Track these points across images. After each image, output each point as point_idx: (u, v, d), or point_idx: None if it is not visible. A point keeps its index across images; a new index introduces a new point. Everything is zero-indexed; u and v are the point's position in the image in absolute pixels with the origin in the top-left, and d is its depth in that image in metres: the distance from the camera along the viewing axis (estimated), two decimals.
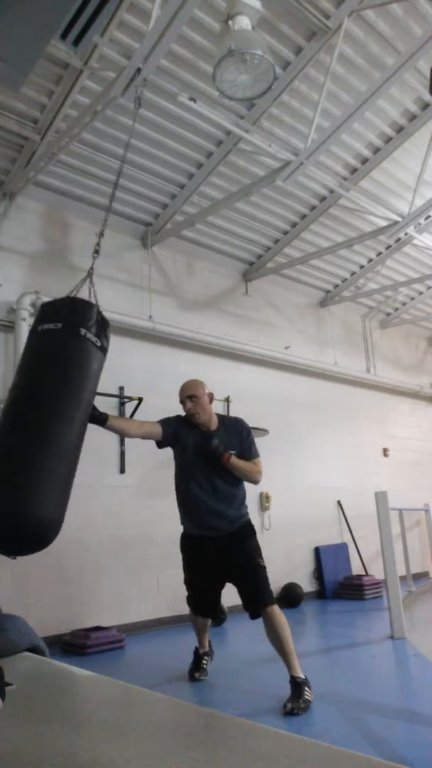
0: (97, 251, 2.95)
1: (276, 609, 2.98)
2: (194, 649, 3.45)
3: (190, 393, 3.16)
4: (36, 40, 2.51)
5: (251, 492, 5.97)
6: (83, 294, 2.62)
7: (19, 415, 2.03)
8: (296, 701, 2.75)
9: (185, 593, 3.29)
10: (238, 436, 3.19)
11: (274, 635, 2.93)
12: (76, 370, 2.23)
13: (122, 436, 3.19)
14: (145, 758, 0.89)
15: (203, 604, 3.26)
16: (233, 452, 3.10)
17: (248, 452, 3.17)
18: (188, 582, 3.26)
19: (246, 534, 3.20)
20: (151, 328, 5.38)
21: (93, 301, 2.47)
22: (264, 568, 3.11)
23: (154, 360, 5.48)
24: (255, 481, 3.19)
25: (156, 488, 5.14)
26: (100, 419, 2.75)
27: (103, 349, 2.39)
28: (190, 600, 3.27)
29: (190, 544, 3.26)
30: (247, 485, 3.26)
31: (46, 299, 4.70)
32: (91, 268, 2.85)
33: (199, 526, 3.19)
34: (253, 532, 3.24)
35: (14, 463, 1.93)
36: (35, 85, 4.10)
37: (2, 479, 1.90)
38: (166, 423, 3.13)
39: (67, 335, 2.25)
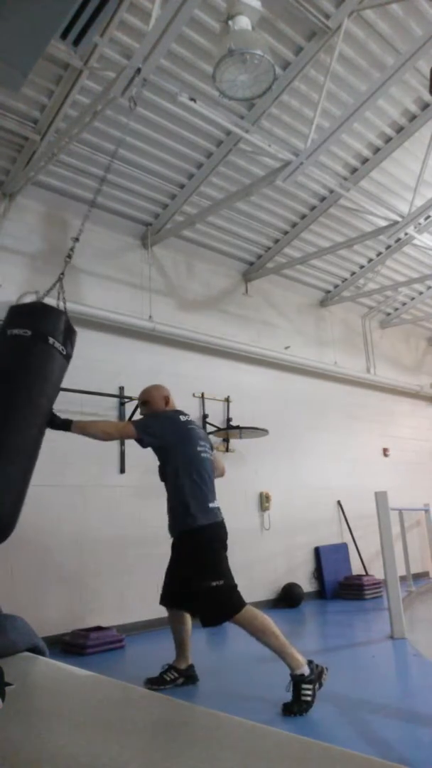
0: (69, 256, 3.00)
1: (242, 615, 2.83)
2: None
3: (141, 399, 3.35)
4: (36, 40, 2.51)
5: (252, 492, 5.99)
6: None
7: None
8: (292, 706, 2.71)
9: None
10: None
11: (257, 637, 2.85)
12: (40, 378, 2.31)
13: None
14: (145, 758, 0.89)
15: (164, 592, 3.24)
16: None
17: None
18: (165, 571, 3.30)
19: (184, 545, 3.09)
20: (151, 328, 5.38)
21: (61, 307, 2.52)
22: (213, 589, 2.86)
23: (154, 360, 5.48)
24: (97, 436, 3.00)
25: (156, 488, 5.13)
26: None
27: (67, 357, 2.47)
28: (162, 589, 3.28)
29: None
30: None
31: (46, 299, 4.71)
32: (62, 273, 2.91)
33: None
34: (192, 543, 3.03)
35: None
36: (35, 85, 4.10)
37: None
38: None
39: (36, 344, 2.31)
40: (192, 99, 4.08)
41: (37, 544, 4.41)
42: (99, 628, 4.28)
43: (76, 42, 3.62)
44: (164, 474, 3.19)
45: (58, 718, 1.13)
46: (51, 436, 4.98)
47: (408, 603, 5.28)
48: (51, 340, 2.32)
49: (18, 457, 2.12)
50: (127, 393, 5.16)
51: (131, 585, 4.83)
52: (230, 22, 3.43)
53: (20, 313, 2.40)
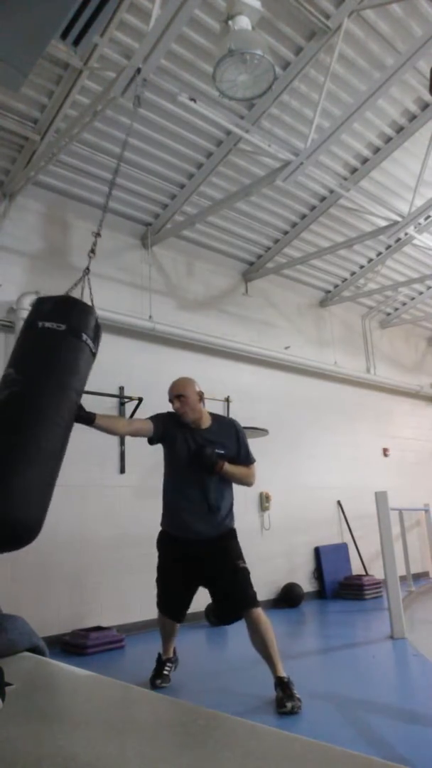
0: (93, 251, 2.95)
1: (260, 611, 2.93)
2: (157, 656, 3.35)
3: (177, 392, 3.13)
4: (36, 40, 2.51)
5: (251, 492, 5.99)
6: (77, 294, 2.63)
7: (11, 417, 2.03)
8: (293, 700, 2.76)
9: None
10: (233, 439, 3.15)
11: (259, 638, 2.90)
12: (73, 375, 2.25)
13: (111, 434, 3.14)
14: (145, 758, 0.89)
15: (172, 605, 3.21)
16: (224, 454, 3.05)
17: (245, 459, 3.16)
18: (160, 581, 3.21)
19: (226, 539, 3.13)
20: (151, 328, 5.38)
21: (91, 304, 2.49)
22: (245, 569, 3.03)
23: (154, 360, 5.48)
24: (248, 485, 3.24)
25: (156, 488, 5.11)
26: (88, 419, 2.69)
27: (94, 355, 2.42)
28: (161, 599, 3.22)
29: (168, 544, 3.21)
30: (237, 488, 3.24)
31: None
32: (87, 269, 2.86)
33: (182, 528, 3.14)
34: (234, 537, 3.17)
35: (10, 468, 1.94)
36: (35, 85, 4.10)
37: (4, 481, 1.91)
38: (156, 419, 3.10)
39: (70, 339, 2.25)
40: (192, 99, 4.08)
41: (37, 544, 4.39)
42: (99, 628, 4.28)
43: (76, 42, 3.63)
44: (220, 481, 3.12)
45: (58, 718, 1.12)
46: None
47: (408, 603, 5.28)
48: (84, 336, 2.29)
49: (47, 458, 2.05)
50: (127, 393, 5.16)
51: (131, 585, 4.83)
52: (230, 22, 3.43)
53: (54, 305, 2.32)
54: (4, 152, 4.61)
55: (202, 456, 3.02)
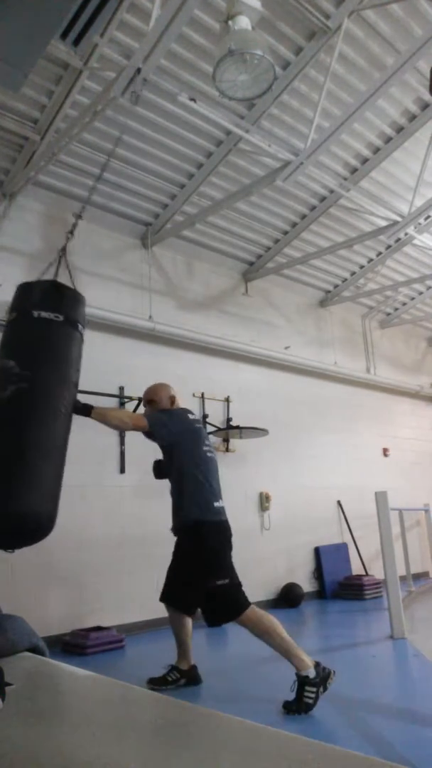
0: (72, 232, 2.93)
1: (249, 614, 2.83)
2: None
3: (147, 398, 3.32)
4: (36, 40, 2.51)
5: (252, 492, 5.99)
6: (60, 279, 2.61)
7: (23, 413, 2.03)
8: (292, 705, 2.72)
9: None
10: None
11: (262, 638, 2.86)
12: (73, 367, 2.25)
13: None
14: (145, 758, 0.89)
15: (165, 590, 3.21)
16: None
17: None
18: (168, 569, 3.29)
19: (189, 540, 3.05)
20: (151, 328, 5.38)
21: (73, 287, 2.46)
22: (218, 588, 2.85)
23: (154, 360, 5.48)
24: (112, 425, 3.03)
25: (156, 488, 5.13)
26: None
27: (83, 340, 2.39)
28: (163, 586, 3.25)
29: None
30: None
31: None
32: (63, 248, 2.83)
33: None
34: (199, 541, 2.99)
35: (9, 462, 1.95)
36: (35, 85, 4.10)
37: (7, 479, 1.95)
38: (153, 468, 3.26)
39: (68, 330, 2.23)
40: (192, 99, 4.07)
41: (37, 544, 4.40)
42: (99, 628, 4.28)
43: (76, 42, 3.62)
44: (168, 471, 3.19)
45: (58, 718, 1.12)
46: None
47: (408, 603, 5.28)
48: (79, 326, 2.28)
49: (52, 452, 2.06)
50: (127, 393, 5.16)
51: (131, 585, 4.83)
52: (230, 22, 3.43)
53: (45, 293, 2.27)
54: (4, 152, 4.61)
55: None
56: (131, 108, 3.78)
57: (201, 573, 2.93)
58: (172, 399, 3.31)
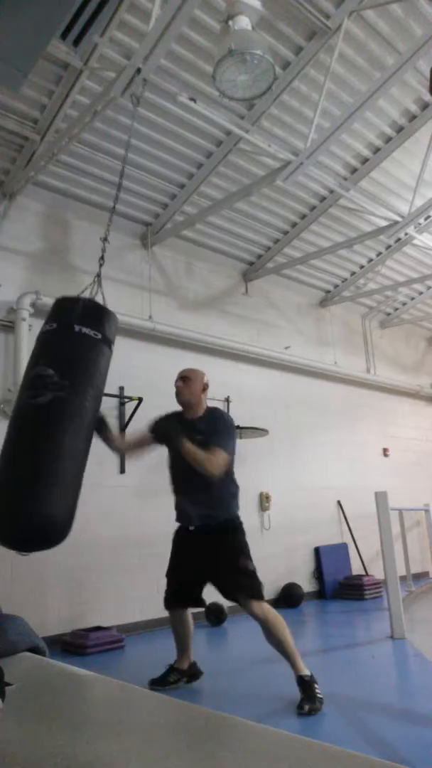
0: (102, 258, 3.00)
1: (266, 608, 2.92)
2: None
3: (183, 374, 3.24)
4: (36, 40, 2.51)
5: (251, 492, 5.99)
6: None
7: (57, 422, 2.12)
8: (312, 702, 2.73)
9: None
10: (213, 425, 3.12)
11: (273, 638, 2.90)
12: (103, 384, 2.36)
13: (114, 451, 3.15)
14: (145, 758, 0.89)
15: (170, 595, 3.18)
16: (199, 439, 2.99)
17: (210, 438, 3.00)
18: (167, 574, 3.23)
19: (224, 531, 3.10)
20: (151, 328, 5.38)
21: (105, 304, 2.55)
22: (246, 568, 2.98)
23: (154, 360, 5.48)
24: (209, 473, 2.92)
25: (156, 488, 5.12)
26: (107, 438, 2.82)
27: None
28: (165, 593, 3.21)
29: (175, 535, 3.26)
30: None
31: (46, 299, 4.70)
32: (98, 275, 2.94)
33: (180, 515, 3.20)
34: (234, 530, 3.10)
35: (37, 468, 2.04)
36: (35, 85, 4.10)
37: (24, 482, 1.99)
38: (153, 427, 3.15)
39: (104, 348, 2.33)
40: (192, 99, 4.08)
41: None
42: (99, 628, 4.28)
43: (76, 42, 3.62)
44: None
45: (58, 718, 1.12)
46: None
47: (408, 603, 5.28)
48: (112, 346, 2.39)
49: (77, 461, 2.17)
50: (127, 393, 5.16)
51: (131, 585, 4.83)
52: (230, 22, 3.43)
53: (87, 310, 2.36)
54: (4, 152, 4.61)
55: (167, 428, 3.03)
56: (133, 108, 3.78)
57: (237, 556, 3.01)
58: (205, 386, 3.26)
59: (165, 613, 3.34)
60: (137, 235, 5.71)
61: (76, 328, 2.26)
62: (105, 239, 2.95)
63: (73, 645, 4.13)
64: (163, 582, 3.27)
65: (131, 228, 5.64)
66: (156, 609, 4.90)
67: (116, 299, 5.29)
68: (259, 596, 2.95)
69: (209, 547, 3.06)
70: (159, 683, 3.14)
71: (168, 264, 5.94)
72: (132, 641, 4.40)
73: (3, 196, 4.85)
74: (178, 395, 3.19)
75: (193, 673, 3.27)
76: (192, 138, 4.88)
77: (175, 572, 3.21)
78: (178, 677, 3.21)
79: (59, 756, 0.90)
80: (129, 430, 5.06)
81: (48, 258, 5.01)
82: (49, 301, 4.73)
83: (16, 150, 4.63)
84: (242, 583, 2.96)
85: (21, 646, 1.95)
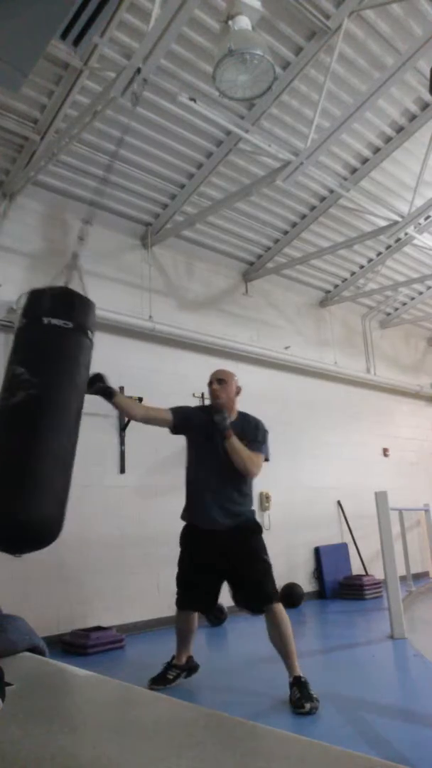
0: (81, 237, 2.91)
1: (280, 607, 2.97)
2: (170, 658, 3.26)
3: (219, 376, 3.25)
4: (36, 40, 2.51)
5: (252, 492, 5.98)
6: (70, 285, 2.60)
7: (32, 420, 2.04)
8: (311, 701, 2.75)
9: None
10: (252, 430, 3.19)
11: (278, 635, 2.92)
12: (82, 374, 2.26)
13: (126, 415, 3.16)
14: (145, 758, 0.89)
15: (192, 596, 3.14)
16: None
17: (253, 442, 3.12)
18: (180, 576, 3.18)
19: (249, 531, 3.15)
20: (151, 328, 5.38)
21: (85, 295, 2.46)
22: (269, 564, 3.07)
23: (154, 360, 5.48)
24: (248, 471, 3.08)
25: (156, 488, 5.14)
26: (108, 393, 2.75)
27: (92, 348, 2.41)
28: (179, 594, 3.16)
29: (188, 536, 3.20)
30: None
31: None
32: (76, 253, 2.81)
33: (201, 517, 3.12)
34: (258, 530, 3.19)
35: (18, 468, 1.97)
36: (35, 85, 4.10)
37: (7, 483, 1.94)
38: (178, 410, 3.17)
39: (78, 337, 2.23)
40: (192, 99, 4.08)
41: None
42: (99, 628, 4.28)
43: (76, 42, 3.62)
44: (228, 469, 3.11)
45: (58, 718, 1.12)
46: None
47: (408, 603, 5.28)
48: (89, 333, 2.29)
49: (60, 457, 2.07)
50: (127, 393, 5.14)
51: (131, 585, 4.83)
52: (230, 22, 3.43)
53: (56, 300, 2.27)
54: (4, 152, 4.61)
55: (215, 418, 3.05)
56: (131, 108, 3.78)
57: (258, 552, 3.09)
58: (239, 389, 3.31)
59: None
60: (137, 235, 5.71)
61: (45, 320, 2.18)
62: (81, 238, 2.89)
63: (73, 645, 4.13)
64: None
65: (131, 228, 5.64)
66: (156, 609, 4.92)
67: (116, 299, 5.32)
68: (276, 599, 2.99)
69: (234, 548, 3.06)
70: (159, 682, 3.14)
71: (168, 264, 5.94)
72: (132, 641, 4.40)
73: (3, 196, 4.85)
74: (216, 398, 3.20)
75: (191, 667, 3.30)
76: (192, 138, 4.88)
77: (192, 574, 3.15)
78: (176, 673, 3.22)
79: (59, 756, 0.90)
80: (129, 430, 5.06)
81: (48, 258, 5.01)
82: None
83: (16, 150, 4.62)
84: (264, 586, 3.00)
85: (21, 646, 1.95)
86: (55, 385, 2.12)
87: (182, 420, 3.15)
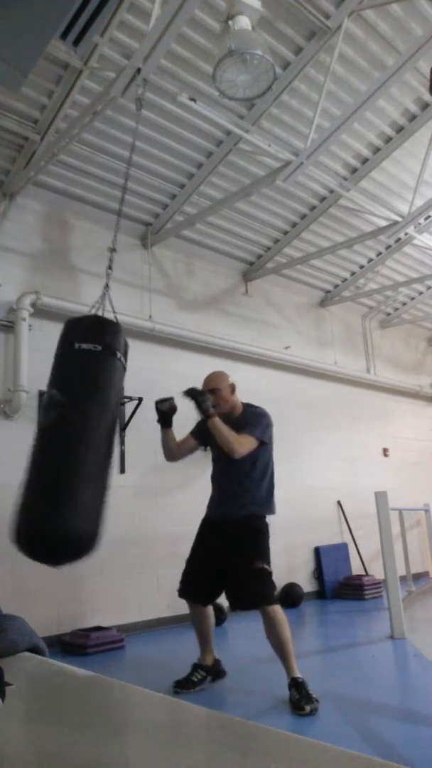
0: (110, 267, 3.02)
1: (276, 609, 2.94)
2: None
3: (210, 386, 3.24)
4: (36, 40, 2.51)
5: None
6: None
7: (65, 438, 2.17)
8: (311, 702, 2.74)
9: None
10: (248, 417, 3.21)
11: (274, 636, 2.91)
12: (112, 392, 2.39)
13: (168, 452, 3.21)
14: (145, 758, 0.89)
15: (188, 585, 3.18)
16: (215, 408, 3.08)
17: (244, 426, 3.12)
18: (185, 565, 3.25)
19: (250, 528, 3.14)
20: (151, 328, 5.38)
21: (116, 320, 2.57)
22: (262, 566, 3.01)
23: (154, 360, 5.48)
24: (232, 450, 3.01)
25: (156, 488, 5.14)
26: (167, 423, 2.89)
27: (125, 368, 2.56)
28: (180, 582, 3.22)
29: (201, 527, 3.30)
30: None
31: (46, 299, 4.71)
32: (107, 285, 2.98)
33: (212, 510, 3.27)
34: (259, 529, 3.17)
35: (55, 486, 2.10)
36: (35, 85, 4.10)
37: (42, 500, 2.08)
38: (194, 430, 3.27)
39: (106, 358, 2.38)
40: (192, 99, 4.08)
41: None
42: (99, 628, 4.28)
43: (76, 42, 3.62)
44: (249, 462, 3.14)
45: (58, 718, 1.12)
46: None
47: (408, 603, 5.28)
48: (118, 354, 2.43)
49: (94, 472, 2.19)
50: (126, 393, 5.14)
51: (131, 585, 4.83)
52: (230, 22, 3.43)
53: (87, 327, 2.44)
54: (4, 152, 4.61)
55: (195, 397, 3.06)
56: (132, 108, 3.78)
57: (254, 554, 3.03)
58: (233, 387, 3.31)
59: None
60: (137, 235, 5.71)
61: (76, 345, 2.33)
62: (113, 249, 2.96)
63: (73, 645, 4.13)
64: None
65: (131, 228, 5.64)
66: (156, 609, 4.92)
67: (116, 299, 5.30)
68: (271, 601, 2.94)
69: (231, 541, 3.09)
70: (184, 685, 3.09)
71: (168, 264, 5.94)
72: (132, 641, 4.40)
73: (3, 196, 4.85)
74: (216, 408, 3.20)
75: (218, 671, 3.26)
76: (192, 138, 4.88)
77: (193, 562, 3.24)
78: (203, 675, 3.17)
79: (59, 756, 0.90)
80: (129, 430, 5.06)
81: (48, 258, 5.01)
82: (49, 301, 4.75)
83: (16, 150, 4.62)
84: (249, 586, 2.97)
85: (21, 646, 1.95)
86: (82, 402, 2.24)
87: (200, 434, 3.24)
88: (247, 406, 3.33)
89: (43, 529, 2.05)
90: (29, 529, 2.06)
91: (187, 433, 3.29)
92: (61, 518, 2.05)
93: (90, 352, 2.32)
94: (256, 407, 3.35)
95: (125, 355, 2.51)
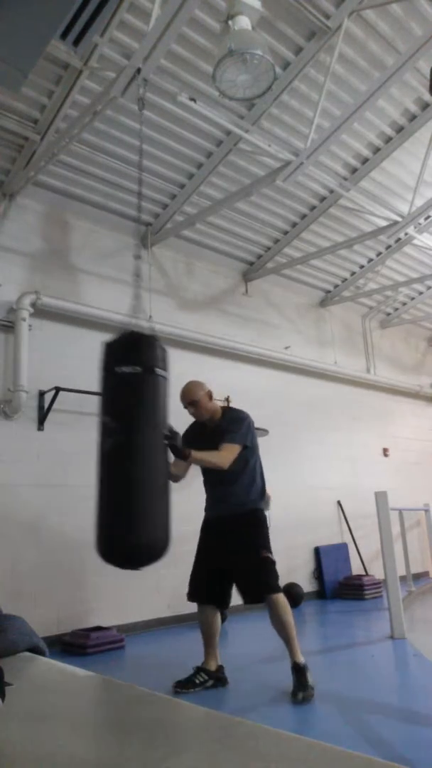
0: (138, 275, 3.06)
1: (280, 596, 3.02)
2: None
3: (188, 400, 3.27)
4: (36, 40, 2.51)
5: None
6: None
7: (117, 462, 2.44)
8: (305, 690, 2.80)
9: (185, 593, 3.27)
10: (228, 423, 3.25)
11: (277, 620, 2.98)
12: (159, 410, 2.51)
13: (175, 480, 3.22)
14: (145, 758, 0.89)
15: (196, 587, 3.22)
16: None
17: (226, 434, 3.16)
18: (192, 566, 3.28)
19: (248, 522, 3.22)
20: (151, 328, 5.38)
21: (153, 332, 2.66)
22: (265, 556, 3.09)
23: None
24: (221, 468, 3.09)
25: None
26: (183, 455, 2.87)
27: (167, 378, 2.59)
28: (188, 584, 3.25)
29: (202, 528, 3.35)
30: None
31: (46, 299, 4.71)
32: (137, 296, 3.03)
33: (209, 509, 3.35)
34: (257, 522, 3.26)
35: (123, 502, 2.44)
36: (35, 85, 4.10)
37: (113, 515, 2.45)
38: (183, 443, 3.20)
39: (147, 379, 2.49)
40: (192, 99, 4.08)
41: (37, 544, 4.41)
42: (99, 628, 4.28)
43: (76, 42, 3.62)
44: (236, 465, 3.18)
45: (58, 718, 1.12)
46: (53, 437, 4.97)
47: (408, 603, 5.28)
48: (157, 370, 2.50)
49: (156, 487, 2.41)
50: None
51: (131, 585, 4.82)
52: (230, 22, 3.43)
53: (125, 349, 2.55)
54: (4, 152, 4.61)
55: (170, 445, 2.99)
56: (131, 108, 3.78)
57: (256, 546, 3.14)
58: (210, 394, 3.33)
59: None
60: (137, 235, 5.71)
61: (117, 369, 2.44)
62: (138, 257, 2.99)
63: (73, 645, 4.13)
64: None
65: (131, 228, 5.64)
66: (156, 609, 4.92)
67: (116, 299, 5.31)
68: (276, 590, 3.04)
69: (227, 537, 3.16)
70: (184, 686, 3.08)
71: (168, 264, 5.94)
72: (132, 641, 4.40)
73: (3, 196, 4.85)
74: (198, 418, 3.31)
75: (220, 678, 3.21)
76: (192, 138, 4.88)
77: (197, 563, 3.28)
78: (204, 678, 3.14)
79: (59, 756, 0.90)
80: None
81: (48, 258, 5.01)
82: (49, 301, 4.75)
83: (16, 150, 4.62)
84: (255, 576, 3.05)
85: (21, 646, 1.96)
86: (133, 426, 2.42)
87: (188, 446, 3.12)
88: (227, 410, 3.40)
89: (128, 542, 2.41)
90: (117, 544, 2.47)
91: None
92: (134, 530, 2.38)
93: (130, 375, 2.43)
94: (235, 410, 3.41)
95: (165, 365, 2.58)
